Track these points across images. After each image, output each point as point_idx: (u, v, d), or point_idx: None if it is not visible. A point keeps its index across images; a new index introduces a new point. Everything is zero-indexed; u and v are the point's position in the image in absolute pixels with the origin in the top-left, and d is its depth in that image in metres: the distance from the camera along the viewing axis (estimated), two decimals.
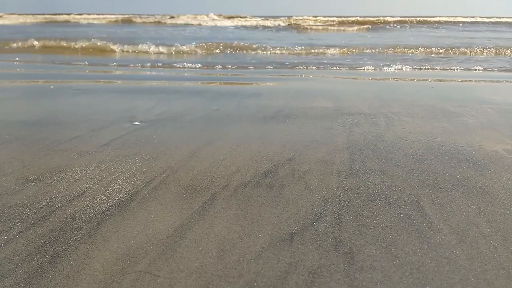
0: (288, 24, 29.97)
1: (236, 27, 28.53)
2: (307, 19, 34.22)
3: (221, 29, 25.76)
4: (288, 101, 4.80)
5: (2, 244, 1.69)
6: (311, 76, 7.49)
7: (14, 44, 12.67)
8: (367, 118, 3.92)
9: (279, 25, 29.46)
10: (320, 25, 29.83)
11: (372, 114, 4.07)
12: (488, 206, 2.05)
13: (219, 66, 9.12)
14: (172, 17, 35.67)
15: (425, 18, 36.77)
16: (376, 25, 29.33)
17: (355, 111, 4.25)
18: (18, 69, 8.06)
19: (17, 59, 9.93)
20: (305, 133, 3.37)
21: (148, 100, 4.80)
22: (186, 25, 29.73)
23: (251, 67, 9.12)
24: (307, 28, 27.00)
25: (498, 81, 7.03)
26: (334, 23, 31.22)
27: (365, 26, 27.81)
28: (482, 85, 6.55)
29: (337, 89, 5.85)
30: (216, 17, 35.68)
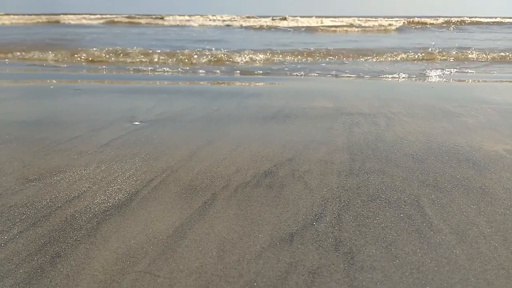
0: (304, 26, 28.14)
1: (246, 28, 27.07)
2: (317, 19, 32.22)
3: (231, 30, 25.16)
4: (288, 101, 4.80)
5: (2, 244, 1.69)
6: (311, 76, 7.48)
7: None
8: (367, 118, 3.92)
9: (299, 26, 27.72)
10: (338, 26, 28.02)
11: (372, 114, 4.07)
12: (488, 206, 2.05)
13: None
14: (161, 18, 35.26)
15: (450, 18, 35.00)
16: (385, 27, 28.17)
17: (355, 111, 4.25)
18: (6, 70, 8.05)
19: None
20: (305, 133, 3.37)
21: (148, 100, 4.80)
22: (181, 26, 29.21)
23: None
24: (321, 30, 25.45)
25: (498, 81, 7.03)
26: (350, 24, 29.15)
27: (393, 27, 26.61)
28: (482, 85, 6.55)
29: (337, 89, 5.85)
30: (228, 18, 35.21)
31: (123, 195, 2.18)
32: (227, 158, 2.75)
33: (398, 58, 11.02)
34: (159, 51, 11.41)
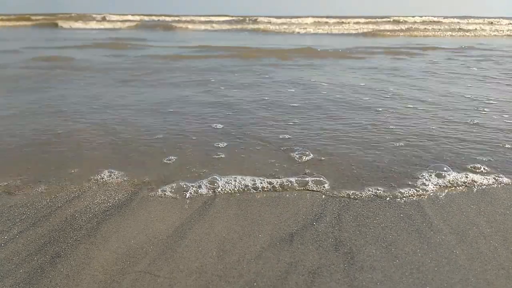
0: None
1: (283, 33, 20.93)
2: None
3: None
4: None
5: (2, 244, 1.69)
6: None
7: None
8: None
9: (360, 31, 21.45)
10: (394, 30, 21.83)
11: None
12: (488, 206, 2.05)
13: None
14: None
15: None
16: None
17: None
18: None
19: None
20: None
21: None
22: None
23: None
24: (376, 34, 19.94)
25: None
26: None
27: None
28: None
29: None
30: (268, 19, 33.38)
31: (123, 195, 2.17)
32: None
33: None
34: None
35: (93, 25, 27.18)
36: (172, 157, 2.69)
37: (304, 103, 4.46)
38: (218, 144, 2.97)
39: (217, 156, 2.72)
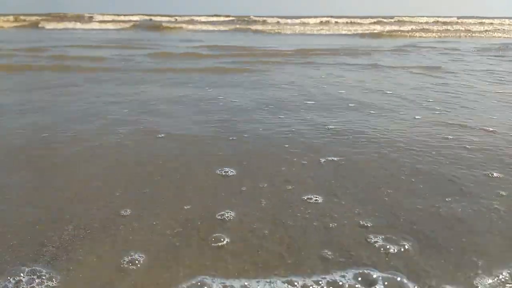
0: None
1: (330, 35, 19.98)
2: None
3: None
4: None
5: (3, 244, 1.69)
6: None
7: None
8: None
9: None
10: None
11: None
12: None
13: None
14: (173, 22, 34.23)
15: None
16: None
17: None
18: None
19: None
20: None
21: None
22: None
23: None
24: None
25: None
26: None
27: None
28: None
29: None
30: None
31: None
32: None
33: None
34: None
35: (92, 25, 27.11)
36: (139, 256, 1.58)
37: (345, 122, 3.54)
38: (224, 215, 1.88)
39: (217, 243, 1.66)
